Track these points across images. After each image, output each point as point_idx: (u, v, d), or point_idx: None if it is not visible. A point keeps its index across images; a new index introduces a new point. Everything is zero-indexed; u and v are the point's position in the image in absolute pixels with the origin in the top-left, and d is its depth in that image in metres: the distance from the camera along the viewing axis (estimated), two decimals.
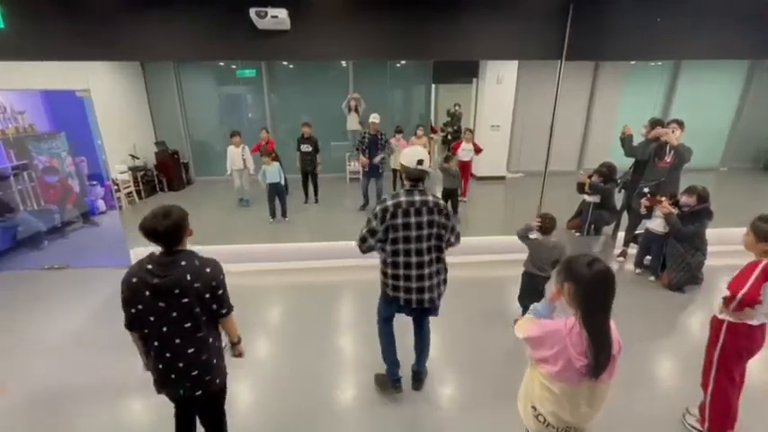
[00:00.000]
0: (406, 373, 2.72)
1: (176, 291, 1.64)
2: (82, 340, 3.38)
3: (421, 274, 2.32)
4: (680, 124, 4.24)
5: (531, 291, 3.22)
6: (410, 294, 2.36)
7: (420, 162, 2.26)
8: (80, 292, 4.18)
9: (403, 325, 2.63)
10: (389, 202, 2.25)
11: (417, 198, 2.25)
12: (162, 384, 1.82)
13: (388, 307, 2.51)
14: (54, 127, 6.23)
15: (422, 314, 2.53)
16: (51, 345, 3.33)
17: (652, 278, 4.22)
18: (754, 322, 2.05)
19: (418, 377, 2.74)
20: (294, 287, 4.34)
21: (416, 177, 2.29)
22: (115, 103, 7.18)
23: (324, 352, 3.18)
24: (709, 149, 8.89)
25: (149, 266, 1.66)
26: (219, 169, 6.66)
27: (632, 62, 8.39)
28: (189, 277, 1.65)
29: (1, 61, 4.00)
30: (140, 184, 7.41)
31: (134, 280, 1.66)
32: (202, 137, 8.81)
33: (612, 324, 1.43)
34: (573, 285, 1.41)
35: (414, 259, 2.30)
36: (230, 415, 2.10)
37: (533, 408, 1.57)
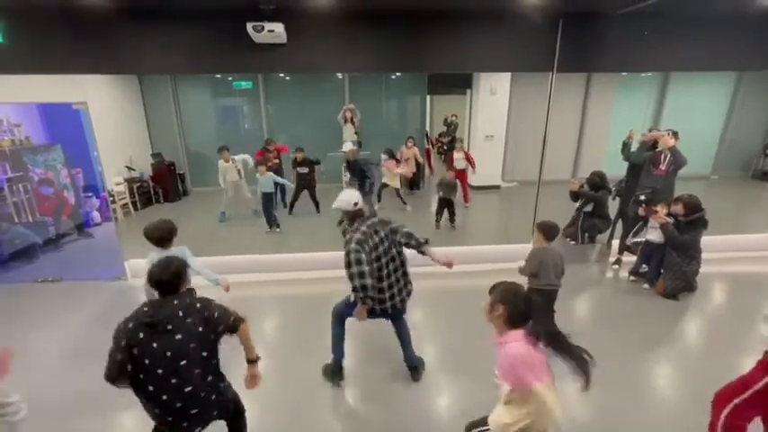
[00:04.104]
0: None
1: (169, 327, 1.65)
2: (74, 354, 3.34)
3: (390, 283, 2.65)
4: (674, 134, 4.33)
5: (547, 308, 3.11)
6: (384, 304, 2.66)
7: (356, 204, 2.60)
8: (73, 306, 4.13)
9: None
10: (356, 242, 2.50)
11: (365, 228, 2.56)
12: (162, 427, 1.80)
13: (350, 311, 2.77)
14: (50, 139, 6.23)
15: (395, 317, 2.83)
16: (42, 359, 3.28)
17: (646, 286, 4.26)
18: None
19: (415, 370, 2.94)
20: (288, 297, 4.33)
21: (355, 216, 2.61)
22: (112, 115, 7.20)
23: (319, 360, 3.16)
24: (699, 158, 9.04)
25: (145, 309, 1.70)
26: (216, 180, 6.67)
27: (622, 73, 8.57)
28: (181, 313, 1.68)
29: (0, 75, 4.03)
30: (136, 195, 7.39)
31: (130, 325, 1.67)
32: (199, 148, 8.84)
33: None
34: (507, 308, 1.64)
35: (384, 272, 2.61)
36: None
37: None
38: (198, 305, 1.75)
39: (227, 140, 6.97)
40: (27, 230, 5.38)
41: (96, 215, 6.67)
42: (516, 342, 1.61)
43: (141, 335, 1.64)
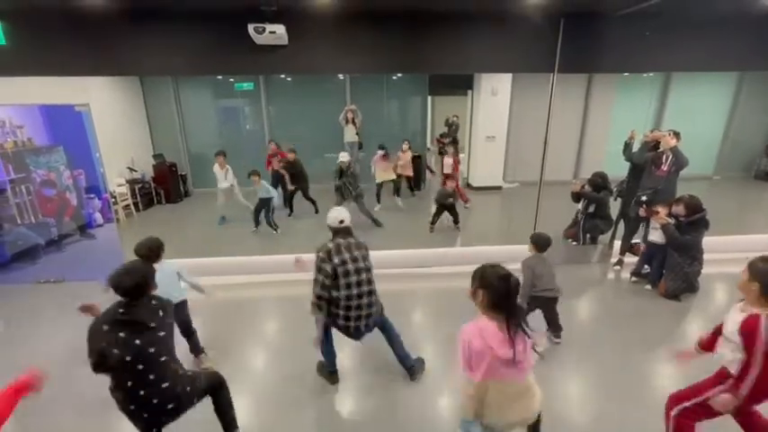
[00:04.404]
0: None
1: (152, 324, 1.78)
2: (75, 355, 3.32)
3: (359, 304, 2.67)
4: (676, 135, 4.32)
5: (551, 314, 3.24)
6: (348, 322, 2.68)
7: (342, 222, 2.68)
8: (76, 307, 4.13)
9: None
10: (324, 252, 2.57)
11: (341, 240, 2.65)
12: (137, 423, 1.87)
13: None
14: (53, 140, 6.26)
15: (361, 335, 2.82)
16: (44, 360, 3.29)
17: (648, 286, 4.25)
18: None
19: (412, 370, 2.93)
20: (287, 298, 4.32)
21: (338, 232, 2.68)
22: (113, 116, 7.23)
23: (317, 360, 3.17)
24: (701, 158, 9.02)
25: (120, 310, 1.77)
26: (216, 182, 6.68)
27: (624, 74, 8.56)
28: (161, 312, 1.84)
29: (2, 77, 4.05)
30: (138, 196, 7.42)
31: (105, 327, 1.73)
32: (200, 149, 8.85)
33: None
34: (487, 292, 1.64)
35: (354, 291, 2.63)
36: None
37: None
38: (161, 303, 1.91)
39: (228, 141, 6.97)
40: (30, 231, 5.40)
41: (98, 216, 6.70)
42: (475, 326, 1.62)
43: (122, 333, 1.71)
